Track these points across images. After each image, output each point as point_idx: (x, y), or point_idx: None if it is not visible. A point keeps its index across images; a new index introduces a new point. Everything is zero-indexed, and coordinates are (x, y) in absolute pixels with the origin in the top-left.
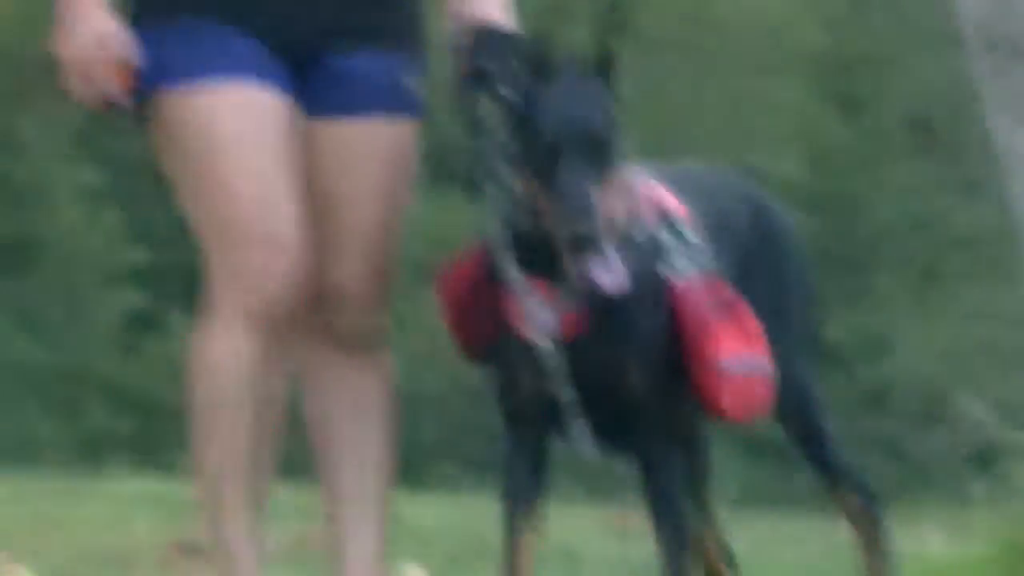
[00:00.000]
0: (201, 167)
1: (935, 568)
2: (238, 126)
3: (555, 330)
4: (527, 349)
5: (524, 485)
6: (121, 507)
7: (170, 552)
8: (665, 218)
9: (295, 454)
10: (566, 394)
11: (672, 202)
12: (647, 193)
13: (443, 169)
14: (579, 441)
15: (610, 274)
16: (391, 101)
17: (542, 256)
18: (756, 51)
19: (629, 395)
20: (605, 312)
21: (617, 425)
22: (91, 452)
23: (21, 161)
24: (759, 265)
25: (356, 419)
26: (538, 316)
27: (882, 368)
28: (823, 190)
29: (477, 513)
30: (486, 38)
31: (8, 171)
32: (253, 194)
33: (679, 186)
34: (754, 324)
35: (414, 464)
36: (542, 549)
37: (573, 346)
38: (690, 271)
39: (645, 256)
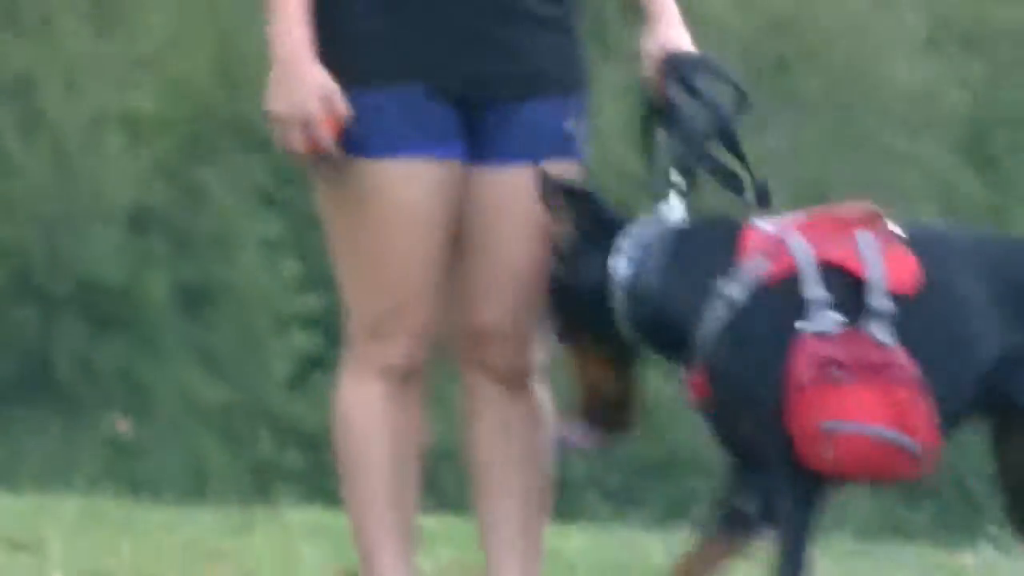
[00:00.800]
0: (362, 234)
1: None
2: (400, 203)
3: (687, 393)
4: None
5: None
6: (290, 537)
7: None
8: (826, 271)
9: (459, 487)
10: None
11: (843, 255)
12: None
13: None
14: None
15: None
16: (556, 148)
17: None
18: (902, 110)
19: (746, 447)
20: (718, 374)
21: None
22: (262, 483)
23: (206, 210)
24: None
25: (507, 447)
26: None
27: None
28: None
29: (617, 542)
30: (683, 65)
31: (193, 220)
32: (401, 272)
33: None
34: (904, 394)
35: (567, 496)
36: None
37: (703, 406)
38: (826, 327)
39: (763, 308)
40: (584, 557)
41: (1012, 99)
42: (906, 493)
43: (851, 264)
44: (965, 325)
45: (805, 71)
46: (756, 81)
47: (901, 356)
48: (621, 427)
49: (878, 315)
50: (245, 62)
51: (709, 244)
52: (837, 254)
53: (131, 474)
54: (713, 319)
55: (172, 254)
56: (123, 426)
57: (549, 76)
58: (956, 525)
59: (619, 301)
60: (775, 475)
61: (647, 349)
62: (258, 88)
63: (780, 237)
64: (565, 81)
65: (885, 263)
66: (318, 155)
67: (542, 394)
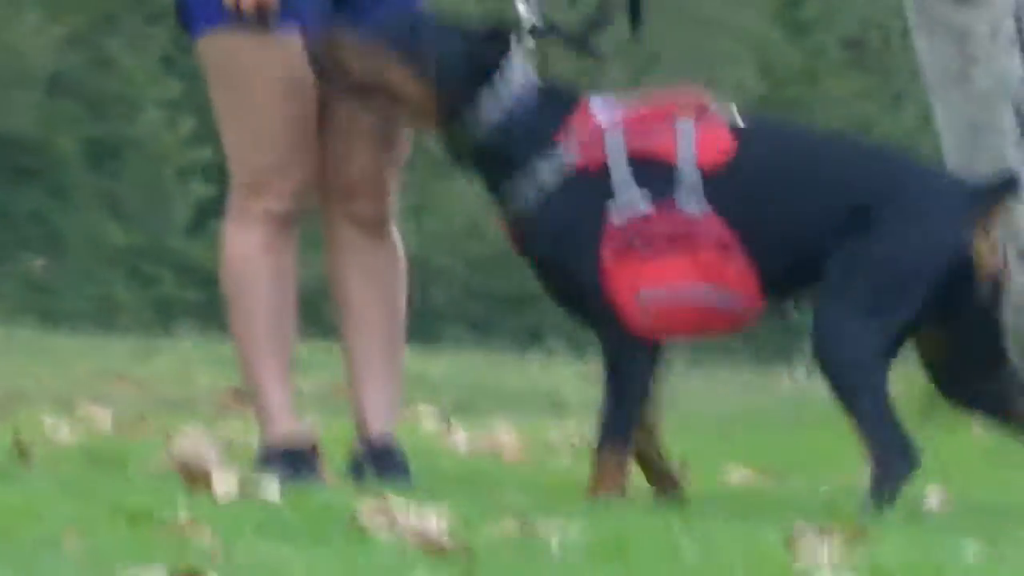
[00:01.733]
0: (246, 95)
1: None
2: (283, 67)
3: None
4: None
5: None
6: (187, 362)
7: (226, 398)
8: (640, 161)
9: (329, 317)
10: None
11: (657, 144)
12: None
13: None
14: None
15: None
16: None
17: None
18: None
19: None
20: (527, 230)
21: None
22: (164, 317)
23: (113, 75)
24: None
25: (370, 287)
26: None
27: None
28: (775, 97)
29: (477, 364)
30: None
31: (103, 84)
32: (279, 131)
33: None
34: (712, 254)
35: (427, 325)
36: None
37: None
38: (632, 208)
39: (570, 193)
40: (446, 379)
41: None
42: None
43: (664, 151)
44: (783, 200)
45: None
46: None
47: (709, 222)
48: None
49: (686, 189)
50: None
51: (543, 115)
52: (653, 144)
53: (46, 308)
54: (528, 193)
55: (83, 114)
56: (40, 265)
57: None
58: (774, 349)
59: (478, 126)
60: (606, 341)
61: (479, 179)
62: None
63: (602, 130)
64: None
65: (698, 143)
66: (258, 18)
67: (397, 239)
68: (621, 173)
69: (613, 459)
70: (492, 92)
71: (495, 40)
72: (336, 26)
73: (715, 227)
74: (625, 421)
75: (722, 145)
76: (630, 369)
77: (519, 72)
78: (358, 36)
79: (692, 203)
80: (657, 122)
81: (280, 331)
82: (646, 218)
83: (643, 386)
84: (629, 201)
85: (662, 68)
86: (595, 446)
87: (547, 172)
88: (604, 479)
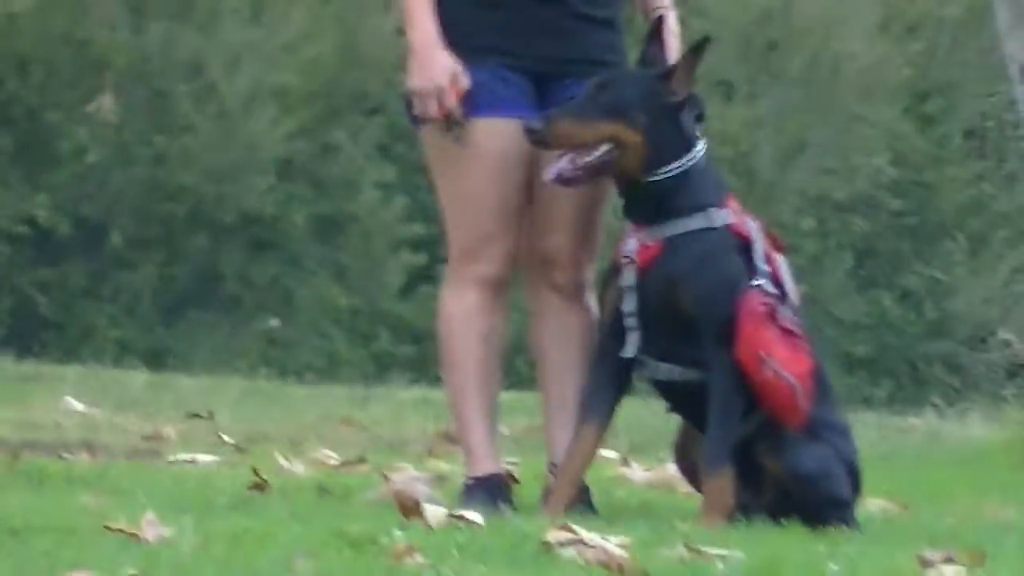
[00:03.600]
0: (461, 178)
1: (978, 447)
2: (491, 152)
3: (633, 255)
4: (615, 270)
5: (598, 397)
6: (401, 408)
7: (436, 440)
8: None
9: (523, 370)
10: (628, 304)
11: (772, 262)
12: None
13: None
14: (629, 348)
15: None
16: None
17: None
18: (861, 81)
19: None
20: (678, 248)
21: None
22: (380, 369)
23: (336, 161)
24: None
25: (565, 345)
26: (625, 245)
27: (945, 307)
28: (906, 180)
29: (655, 411)
30: None
31: (327, 169)
32: (490, 207)
33: None
34: (801, 356)
35: None
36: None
37: (646, 269)
38: (764, 282)
39: (728, 244)
40: (627, 423)
41: (944, 72)
42: (869, 372)
43: (775, 269)
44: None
45: (787, 52)
46: (749, 61)
47: (804, 336)
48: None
49: (790, 308)
50: (364, 46)
51: (717, 177)
52: (771, 261)
53: (281, 361)
54: (693, 229)
55: (311, 195)
56: (275, 324)
57: (599, 60)
58: (908, 398)
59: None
60: (720, 378)
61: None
62: (374, 66)
63: (745, 215)
64: (609, 64)
65: (790, 280)
66: (446, 117)
67: (591, 303)
68: (759, 254)
69: (721, 484)
70: (687, 148)
71: (693, 103)
72: (558, 116)
73: (806, 341)
74: (728, 449)
75: (797, 291)
76: (737, 403)
77: (700, 136)
78: (579, 110)
79: (792, 314)
80: (771, 245)
81: (487, 381)
82: (774, 298)
83: (739, 420)
84: (764, 277)
85: (808, 152)
86: (705, 473)
87: (717, 218)
88: (716, 503)
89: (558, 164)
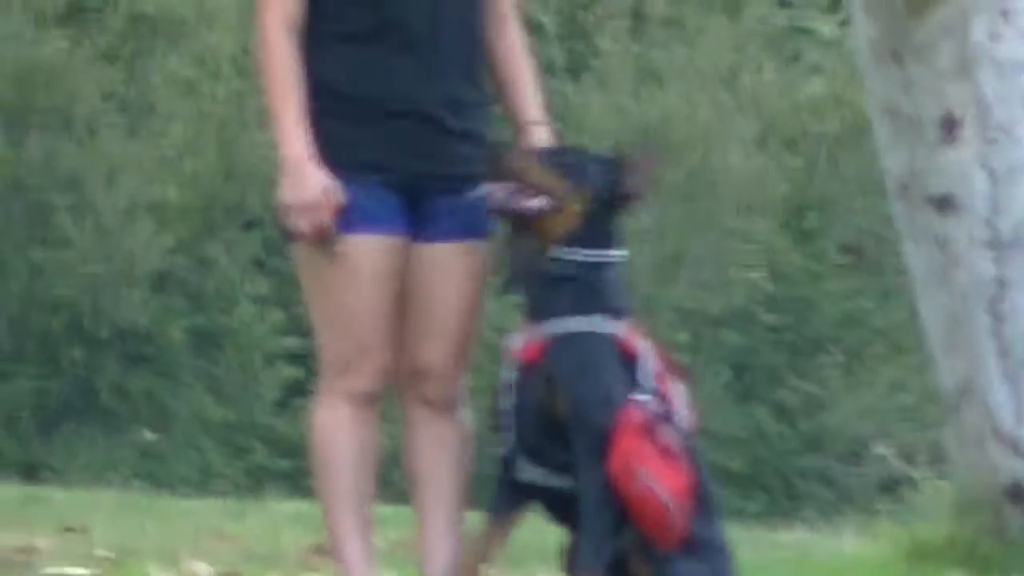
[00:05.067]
0: (334, 293)
1: (851, 560)
2: (363, 268)
3: (517, 352)
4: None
5: (505, 496)
6: (275, 521)
7: (308, 555)
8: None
9: (399, 483)
10: (504, 403)
11: (664, 384)
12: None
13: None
14: (503, 449)
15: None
16: (477, 228)
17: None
18: (739, 196)
19: (555, 412)
20: (560, 348)
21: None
22: (255, 483)
23: (213, 274)
24: None
25: (438, 458)
26: (512, 341)
27: (821, 421)
28: (782, 294)
29: (526, 523)
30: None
31: (203, 282)
32: (363, 322)
33: None
34: (677, 475)
35: (484, 490)
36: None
37: (526, 367)
38: (646, 398)
39: (611, 353)
40: None
41: (822, 188)
42: (743, 486)
43: (667, 393)
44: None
45: (666, 167)
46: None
47: (685, 456)
48: None
49: (678, 430)
50: (243, 161)
51: (620, 289)
52: (664, 384)
53: (155, 474)
54: (580, 329)
55: (187, 308)
56: (149, 437)
57: (467, 176)
58: (782, 512)
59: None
60: (590, 483)
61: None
62: (252, 181)
63: (637, 334)
64: (476, 177)
65: (687, 407)
66: (319, 233)
67: (465, 416)
68: (647, 373)
69: None
70: (607, 245)
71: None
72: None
73: (687, 464)
74: (598, 561)
75: (694, 416)
76: (607, 514)
77: (621, 252)
78: (542, 156)
79: (680, 442)
80: (669, 370)
81: (360, 494)
82: (656, 416)
83: (610, 533)
84: (648, 395)
85: (686, 266)
86: None
87: (605, 326)
88: None
89: (497, 191)
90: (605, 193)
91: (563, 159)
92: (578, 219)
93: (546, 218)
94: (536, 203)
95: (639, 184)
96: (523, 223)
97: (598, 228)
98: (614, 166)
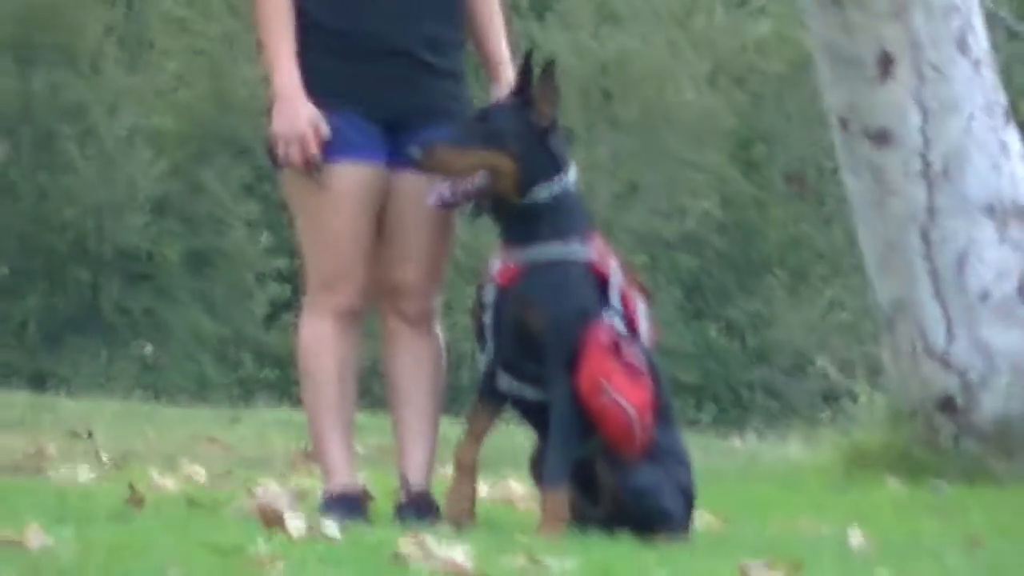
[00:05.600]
0: (318, 217)
1: (795, 467)
2: (346, 194)
3: (496, 274)
4: (481, 286)
5: (485, 400)
6: (265, 428)
7: (297, 458)
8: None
9: (379, 392)
10: (486, 318)
11: (629, 300)
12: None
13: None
14: (484, 359)
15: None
16: None
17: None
18: (691, 129)
19: (530, 331)
20: (535, 273)
21: (524, 355)
22: (246, 393)
23: (206, 199)
24: None
25: (416, 370)
26: (491, 265)
27: (767, 337)
28: (731, 220)
29: (498, 431)
30: None
31: (197, 206)
32: (344, 243)
33: None
34: (640, 389)
35: (456, 399)
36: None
37: (504, 288)
38: (614, 318)
39: (583, 276)
40: None
41: (768, 122)
42: (695, 398)
43: (632, 314)
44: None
45: (623, 102)
46: (588, 110)
47: (648, 374)
48: None
49: (641, 350)
50: (234, 94)
51: (582, 210)
52: (629, 306)
53: (154, 384)
54: (552, 254)
55: (183, 230)
56: (149, 350)
57: (443, 108)
58: (731, 422)
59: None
60: (560, 399)
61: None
62: (242, 112)
63: (608, 255)
64: (451, 110)
65: (648, 325)
66: (306, 162)
67: (438, 330)
68: (615, 294)
69: (557, 498)
70: (557, 169)
71: (562, 135)
72: (438, 143)
73: (649, 379)
74: (565, 466)
75: (654, 332)
76: (574, 424)
77: (572, 166)
78: (455, 141)
79: (643, 359)
80: (632, 289)
81: (343, 402)
82: (621, 336)
83: (578, 441)
84: (615, 314)
85: (642, 193)
86: (542, 487)
87: (579, 251)
88: (552, 516)
89: (438, 190)
90: (525, 137)
91: (474, 130)
92: (518, 170)
93: (490, 186)
94: (475, 182)
95: (549, 106)
96: (479, 196)
97: (541, 164)
98: (521, 109)
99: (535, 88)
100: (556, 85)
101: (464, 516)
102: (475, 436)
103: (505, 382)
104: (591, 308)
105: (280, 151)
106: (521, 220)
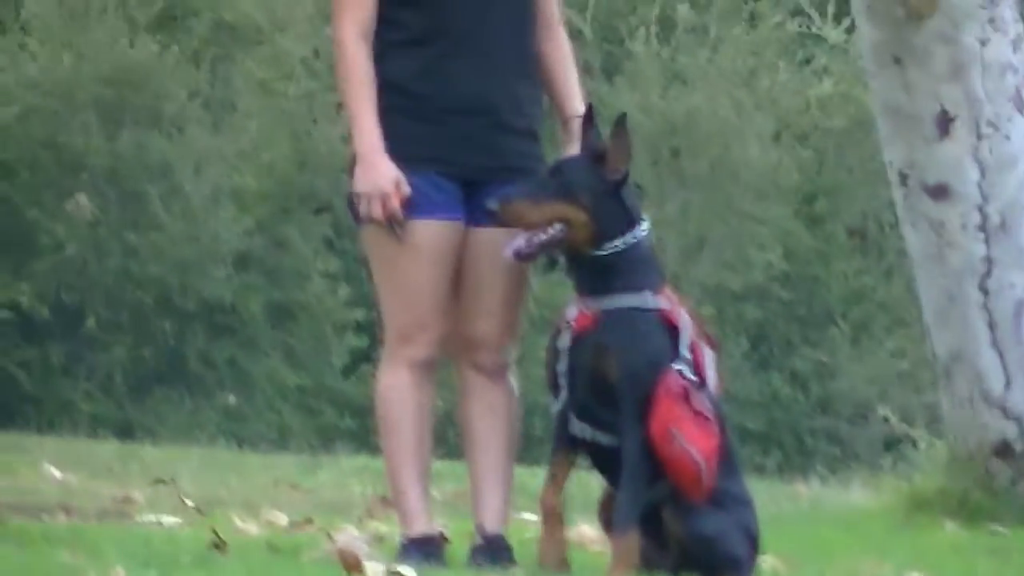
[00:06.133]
0: (397, 271)
1: (857, 511)
2: (424, 249)
3: (572, 322)
4: (557, 333)
5: (561, 445)
6: (344, 475)
7: (375, 504)
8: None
9: (454, 441)
10: (561, 364)
11: (698, 356)
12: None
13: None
14: (557, 404)
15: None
16: None
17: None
18: (756, 185)
19: (605, 378)
20: (611, 321)
21: (597, 401)
22: (326, 441)
23: (288, 253)
24: None
25: (489, 419)
26: (567, 311)
27: (830, 386)
28: (795, 273)
29: (579, 481)
30: None
31: (279, 260)
32: (422, 297)
33: None
34: (708, 437)
35: (530, 447)
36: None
37: (580, 335)
38: (684, 367)
39: (657, 326)
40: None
41: (830, 177)
42: (761, 445)
43: (699, 363)
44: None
45: (691, 159)
46: (657, 166)
47: (714, 420)
48: None
49: (708, 397)
50: (314, 152)
51: (654, 260)
52: (697, 355)
53: (237, 433)
54: (626, 304)
55: (266, 284)
56: (232, 400)
57: (520, 167)
58: (795, 468)
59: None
60: (631, 442)
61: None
62: (322, 170)
63: (679, 306)
64: (528, 169)
65: (715, 375)
66: (388, 219)
67: (513, 381)
68: (685, 343)
69: (626, 543)
70: (631, 224)
71: (633, 189)
72: (514, 196)
73: (716, 426)
74: (635, 512)
75: (720, 383)
76: (645, 470)
77: (645, 220)
78: (531, 194)
79: (710, 407)
80: (701, 339)
81: (420, 450)
82: (691, 384)
83: (647, 487)
84: (685, 364)
85: (709, 247)
86: (612, 532)
87: (651, 302)
88: (621, 561)
89: (516, 242)
90: (598, 190)
91: (549, 183)
92: (592, 222)
93: (566, 238)
94: (549, 234)
95: (621, 160)
96: (554, 248)
97: (614, 217)
98: (594, 163)
99: (608, 142)
100: (628, 139)
101: (560, 563)
102: (557, 482)
103: (578, 428)
104: (664, 357)
105: (362, 209)
106: (596, 272)
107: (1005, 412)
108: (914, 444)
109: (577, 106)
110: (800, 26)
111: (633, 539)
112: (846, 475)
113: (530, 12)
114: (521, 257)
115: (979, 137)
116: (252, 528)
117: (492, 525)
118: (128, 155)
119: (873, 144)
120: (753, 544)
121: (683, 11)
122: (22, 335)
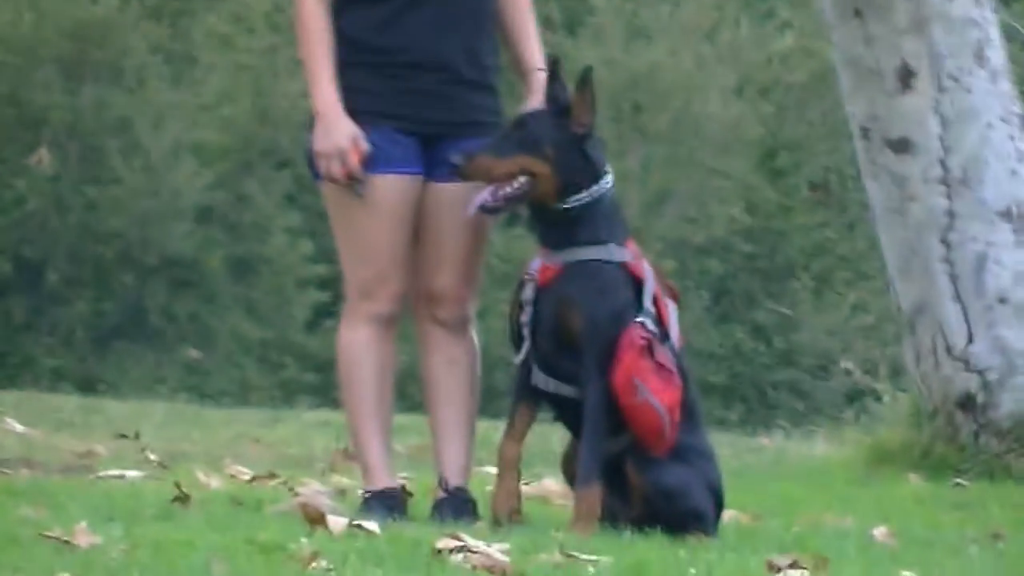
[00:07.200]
0: (357, 228)
1: (821, 465)
2: (383, 205)
3: (535, 274)
4: (520, 285)
5: (522, 396)
6: (306, 429)
7: (337, 458)
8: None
9: (415, 395)
10: (524, 316)
11: (662, 306)
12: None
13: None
14: (519, 356)
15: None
16: None
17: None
18: (718, 139)
19: (568, 330)
20: (575, 273)
21: (561, 353)
22: (287, 393)
23: (249, 208)
24: None
25: (451, 373)
26: (531, 264)
27: (792, 339)
28: (757, 227)
29: (534, 433)
30: None
31: (241, 215)
32: (382, 252)
33: None
34: (671, 389)
35: (491, 401)
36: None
37: (544, 288)
38: (647, 320)
39: (620, 278)
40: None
41: (792, 131)
42: (723, 398)
43: (664, 315)
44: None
45: (653, 113)
46: (619, 121)
47: (676, 372)
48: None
49: (671, 349)
50: (275, 107)
51: (619, 214)
52: (660, 306)
53: (199, 387)
54: (589, 257)
55: (227, 238)
56: (194, 355)
57: (477, 121)
58: (758, 421)
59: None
60: (594, 394)
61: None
62: (284, 125)
63: (642, 258)
64: (486, 123)
65: (677, 327)
66: (348, 176)
67: (474, 335)
68: (648, 296)
69: (590, 496)
70: (595, 177)
71: (598, 142)
72: (478, 151)
73: (679, 379)
74: (598, 463)
75: (680, 337)
76: (607, 422)
77: (609, 173)
78: (495, 148)
79: (673, 359)
80: (663, 292)
81: (381, 405)
82: (654, 337)
83: (608, 439)
84: (649, 316)
85: (671, 201)
86: (575, 485)
87: (616, 254)
88: (584, 514)
89: (480, 196)
90: (563, 144)
91: (512, 137)
92: (557, 175)
93: (530, 191)
94: (514, 187)
95: (586, 114)
96: (519, 201)
97: (578, 170)
98: (558, 116)
99: (572, 96)
100: (593, 93)
101: (512, 513)
102: (516, 433)
103: (541, 380)
104: (627, 309)
105: (321, 167)
106: (560, 225)
107: (968, 365)
108: (877, 397)
109: (537, 60)
110: None
111: (596, 492)
112: (809, 428)
113: None
114: (487, 211)
115: (940, 90)
116: (215, 482)
117: (455, 478)
118: (89, 110)
119: (834, 98)
120: (716, 497)
121: None
122: None
